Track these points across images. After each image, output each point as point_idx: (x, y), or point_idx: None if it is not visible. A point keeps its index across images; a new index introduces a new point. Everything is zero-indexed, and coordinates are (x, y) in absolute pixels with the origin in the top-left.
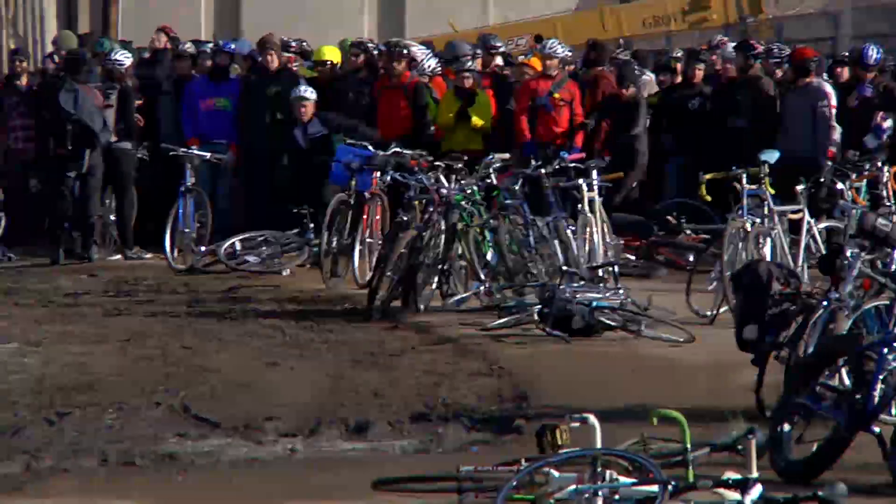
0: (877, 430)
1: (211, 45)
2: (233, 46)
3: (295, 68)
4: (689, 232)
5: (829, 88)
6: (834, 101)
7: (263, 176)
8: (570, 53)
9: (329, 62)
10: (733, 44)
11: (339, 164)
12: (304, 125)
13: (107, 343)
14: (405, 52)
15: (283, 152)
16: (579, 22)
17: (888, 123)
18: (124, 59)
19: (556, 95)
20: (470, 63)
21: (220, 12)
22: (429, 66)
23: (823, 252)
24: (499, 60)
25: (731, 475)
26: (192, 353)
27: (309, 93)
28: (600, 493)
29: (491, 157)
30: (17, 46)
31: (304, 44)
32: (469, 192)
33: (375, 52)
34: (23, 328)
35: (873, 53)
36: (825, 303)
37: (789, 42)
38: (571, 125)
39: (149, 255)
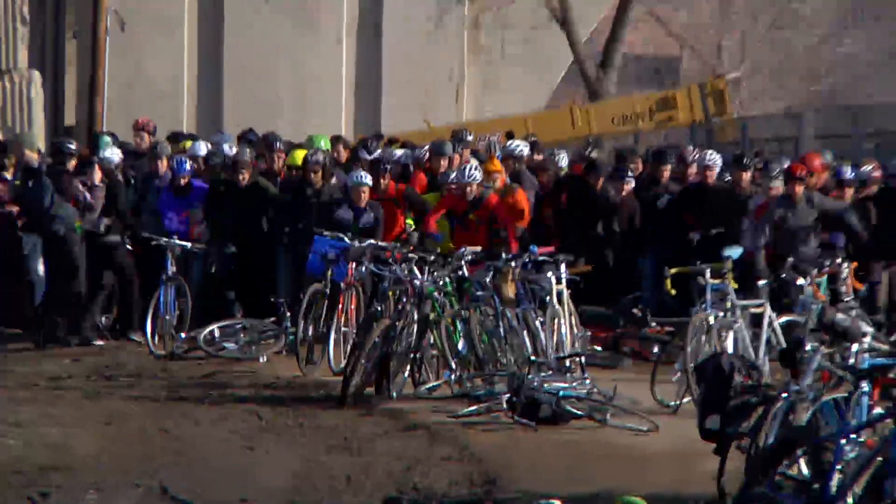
0: None
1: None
2: (187, 167)
3: (282, 163)
4: (654, 324)
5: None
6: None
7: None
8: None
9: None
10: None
11: (315, 255)
12: (357, 209)
13: (87, 425)
14: (388, 167)
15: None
16: (550, 119)
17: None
18: (114, 156)
19: (472, 217)
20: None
21: (202, 104)
22: (403, 157)
23: (784, 345)
24: (474, 166)
25: None
26: (170, 436)
27: (368, 179)
28: None
29: (463, 249)
30: (6, 139)
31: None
32: (441, 283)
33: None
34: (4, 409)
35: (847, 170)
36: (785, 395)
37: (754, 141)
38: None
39: (139, 339)
